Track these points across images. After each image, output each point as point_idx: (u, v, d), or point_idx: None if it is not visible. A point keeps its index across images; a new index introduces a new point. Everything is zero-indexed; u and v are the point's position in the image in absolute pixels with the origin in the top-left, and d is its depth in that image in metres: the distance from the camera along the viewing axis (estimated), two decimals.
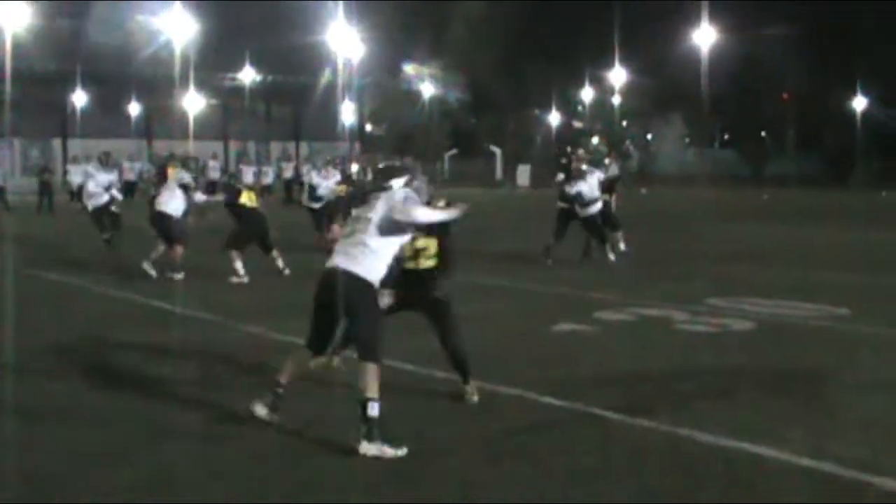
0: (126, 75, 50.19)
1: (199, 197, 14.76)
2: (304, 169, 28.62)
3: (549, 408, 6.70)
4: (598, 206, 15.10)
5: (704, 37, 48.86)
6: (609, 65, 57.80)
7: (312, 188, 18.66)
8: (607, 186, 15.98)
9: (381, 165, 7.08)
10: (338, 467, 5.54)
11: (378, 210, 6.12)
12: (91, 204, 16.68)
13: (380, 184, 6.42)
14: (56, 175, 36.79)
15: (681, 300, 11.27)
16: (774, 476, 5.34)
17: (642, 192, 39.37)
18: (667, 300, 11.29)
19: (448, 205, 6.61)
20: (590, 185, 15.07)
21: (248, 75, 55.31)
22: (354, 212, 6.37)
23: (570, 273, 14.08)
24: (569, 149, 17.54)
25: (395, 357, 7.63)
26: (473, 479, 5.32)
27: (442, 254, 6.78)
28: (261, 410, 6.10)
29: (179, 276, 13.31)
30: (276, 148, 55.36)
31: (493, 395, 7.04)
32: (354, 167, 28.92)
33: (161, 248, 13.73)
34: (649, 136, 72.20)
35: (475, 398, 6.93)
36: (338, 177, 19.20)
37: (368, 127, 64.20)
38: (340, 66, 45.95)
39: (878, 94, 57.32)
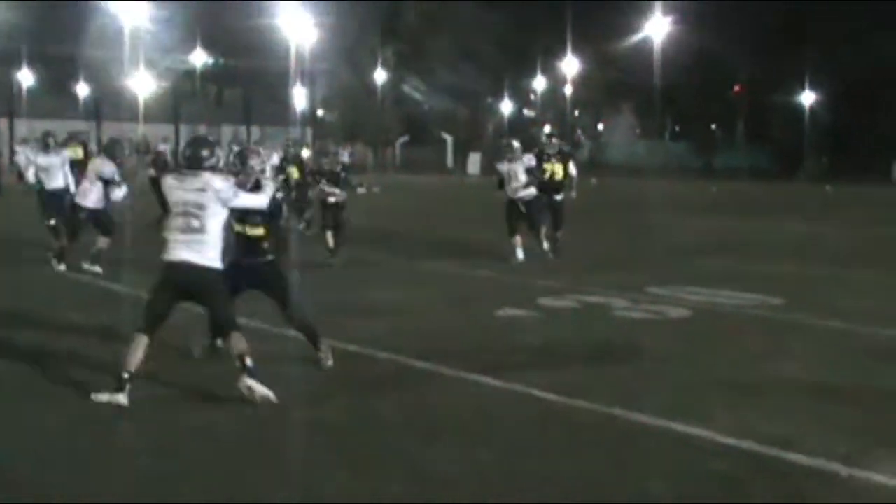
0: (73, 56, 49.62)
1: (118, 194, 12.71)
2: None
3: (490, 388, 6.94)
4: (529, 191, 14.36)
5: (657, 28, 49.40)
6: (561, 54, 58.26)
7: None
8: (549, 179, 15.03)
9: (193, 137, 7.54)
10: (279, 440, 5.73)
11: (207, 200, 6.57)
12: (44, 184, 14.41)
13: (191, 154, 6.75)
14: (3, 157, 36.30)
15: (622, 288, 11.56)
16: (700, 452, 5.62)
17: (592, 183, 39.74)
18: (609, 288, 11.58)
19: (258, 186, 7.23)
20: (510, 168, 14.41)
21: (199, 58, 54.93)
22: (176, 194, 6.64)
23: (518, 261, 14.28)
24: (544, 137, 16.82)
25: (340, 339, 7.86)
26: (412, 454, 5.54)
27: (273, 235, 7.36)
28: (104, 397, 6.36)
29: (97, 268, 12.38)
30: (227, 131, 55.13)
31: (435, 376, 7.28)
32: (306, 153, 28.88)
33: (101, 243, 12.66)
34: (600, 126, 72.87)
35: (329, 362, 7.34)
36: (275, 159, 18.12)
37: (320, 112, 64.10)
38: (293, 51, 45.83)
39: (826, 89, 58.34)
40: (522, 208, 14.36)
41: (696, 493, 5.04)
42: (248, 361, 6.39)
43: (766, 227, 21.80)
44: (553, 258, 14.45)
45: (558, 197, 15.01)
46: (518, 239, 14.26)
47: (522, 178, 14.34)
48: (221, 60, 55.53)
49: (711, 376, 7.40)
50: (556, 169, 15.01)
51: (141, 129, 43.50)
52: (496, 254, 14.77)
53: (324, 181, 13.95)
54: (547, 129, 58.24)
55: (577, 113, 68.19)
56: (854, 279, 13.00)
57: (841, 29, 52.54)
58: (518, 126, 62.57)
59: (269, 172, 16.50)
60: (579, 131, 69.47)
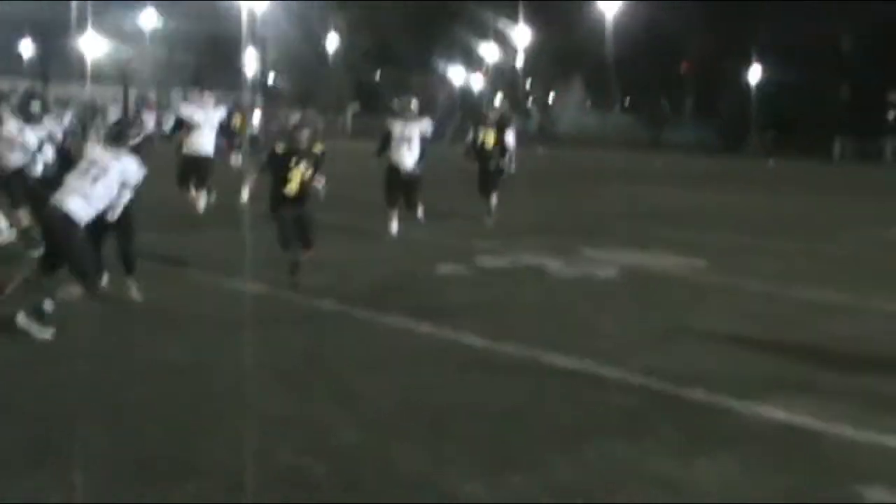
0: (16, 13, 49.06)
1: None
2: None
3: (422, 333, 7.50)
4: (410, 161, 12.96)
5: (609, 2, 50.03)
6: (513, 24, 58.64)
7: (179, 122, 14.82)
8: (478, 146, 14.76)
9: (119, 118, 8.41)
10: (230, 375, 6.21)
11: (113, 170, 7.23)
12: None
13: (118, 132, 7.63)
14: None
15: (557, 250, 12.15)
16: (610, 390, 6.21)
17: (539, 152, 40.32)
18: (544, 250, 12.16)
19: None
20: (404, 130, 13.01)
21: (149, 20, 54.53)
22: (92, 153, 7.41)
23: (460, 224, 14.74)
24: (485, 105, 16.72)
25: (287, 290, 8.32)
26: (348, 388, 6.08)
27: None
28: (22, 320, 6.92)
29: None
30: (177, 95, 54.79)
31: (374, 323, 7.83)
32: (257, 116, 29.04)
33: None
34: (551, 97, 73.42)
35: (136, 295, 8.00)
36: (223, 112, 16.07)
37: (271, 78, 63.93)
38: (244, 17, 45.74)
39: (772, 65, 59.29)
40: (405, 178, 13.01)
41: (603, 423, 5.60)
42: (47, 307, 6.85)
43: (703, 198, 22.49)
44: (490, 224, 14.60)
45: (490, 163, 14.79)
46: (396, 212, 13.14)
47: (416, 146, 12.93)
48: (171, 23, 55.16)
49: (631, 326, 8.02)
50: (487, 138, 14.84)
51: (88, 90, 43.20)
52: (435, 216, 15.15)
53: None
54: (499, 98, 58.75)
55: (528, 84, 68.67)
56: (778, 246, 13.71)
57: (789, 6, 53.36)
58: (469, 95, 62.98)
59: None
60: (531, 100, 69.99)
